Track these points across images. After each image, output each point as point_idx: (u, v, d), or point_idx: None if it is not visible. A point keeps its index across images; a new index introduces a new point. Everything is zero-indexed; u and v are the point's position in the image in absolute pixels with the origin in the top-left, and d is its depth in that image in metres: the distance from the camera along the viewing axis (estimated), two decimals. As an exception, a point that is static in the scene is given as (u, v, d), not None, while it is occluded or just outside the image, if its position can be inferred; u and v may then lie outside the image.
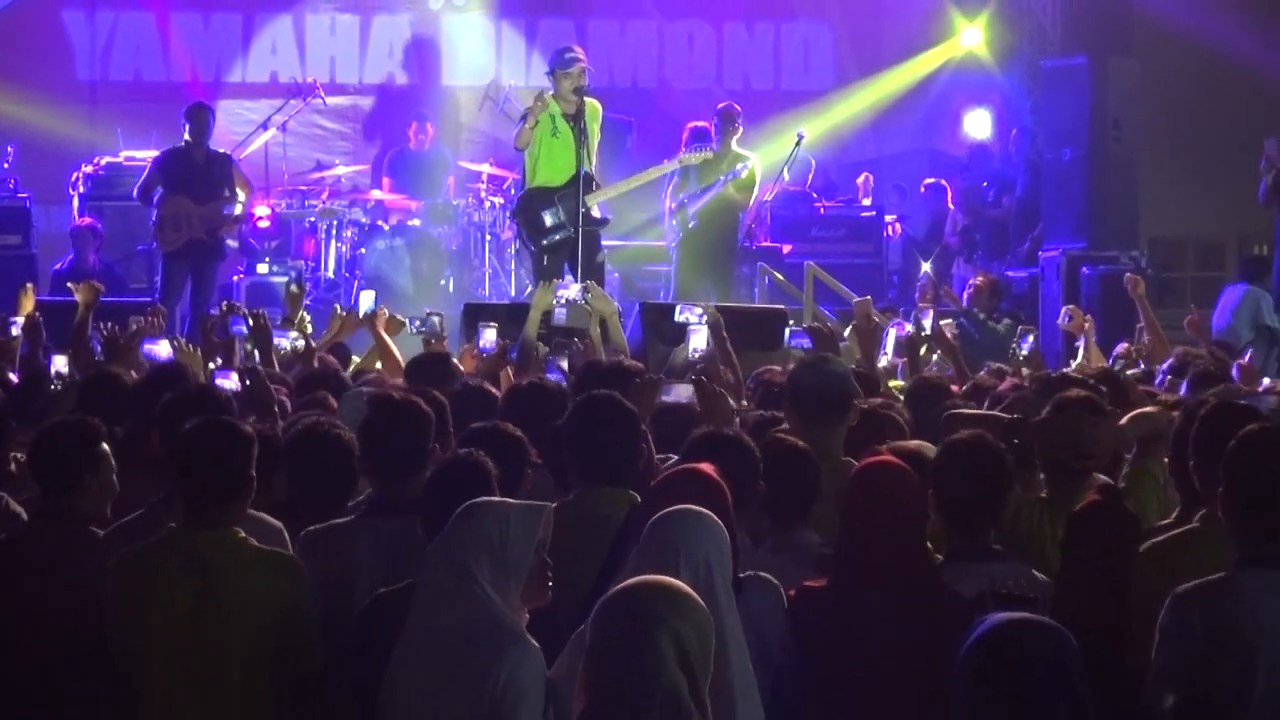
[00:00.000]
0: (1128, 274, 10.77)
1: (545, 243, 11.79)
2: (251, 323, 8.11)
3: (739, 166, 13.36)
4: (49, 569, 5.14)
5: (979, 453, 5.05)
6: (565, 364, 7.88)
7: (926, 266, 15.62)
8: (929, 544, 4.83)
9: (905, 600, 4.55)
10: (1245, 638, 4.20)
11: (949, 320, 9.75)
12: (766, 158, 15.77)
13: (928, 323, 8.79)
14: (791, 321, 10.27)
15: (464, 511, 4.16)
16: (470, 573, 4.00)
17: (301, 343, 8.34)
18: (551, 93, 11.88)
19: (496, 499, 4.27)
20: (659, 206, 14.17)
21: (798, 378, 6.11)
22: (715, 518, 3.98)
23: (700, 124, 14.21)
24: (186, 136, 13.33)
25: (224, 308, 8.74)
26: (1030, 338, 9.26)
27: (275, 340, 8.14)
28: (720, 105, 14.05)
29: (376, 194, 15.78)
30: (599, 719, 3.21)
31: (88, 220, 14.60)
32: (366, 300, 9.37)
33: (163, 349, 8.17)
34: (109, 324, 8.50)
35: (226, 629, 4.75)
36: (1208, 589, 4.29)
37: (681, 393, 6.31)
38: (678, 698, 3.20)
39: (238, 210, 13.42)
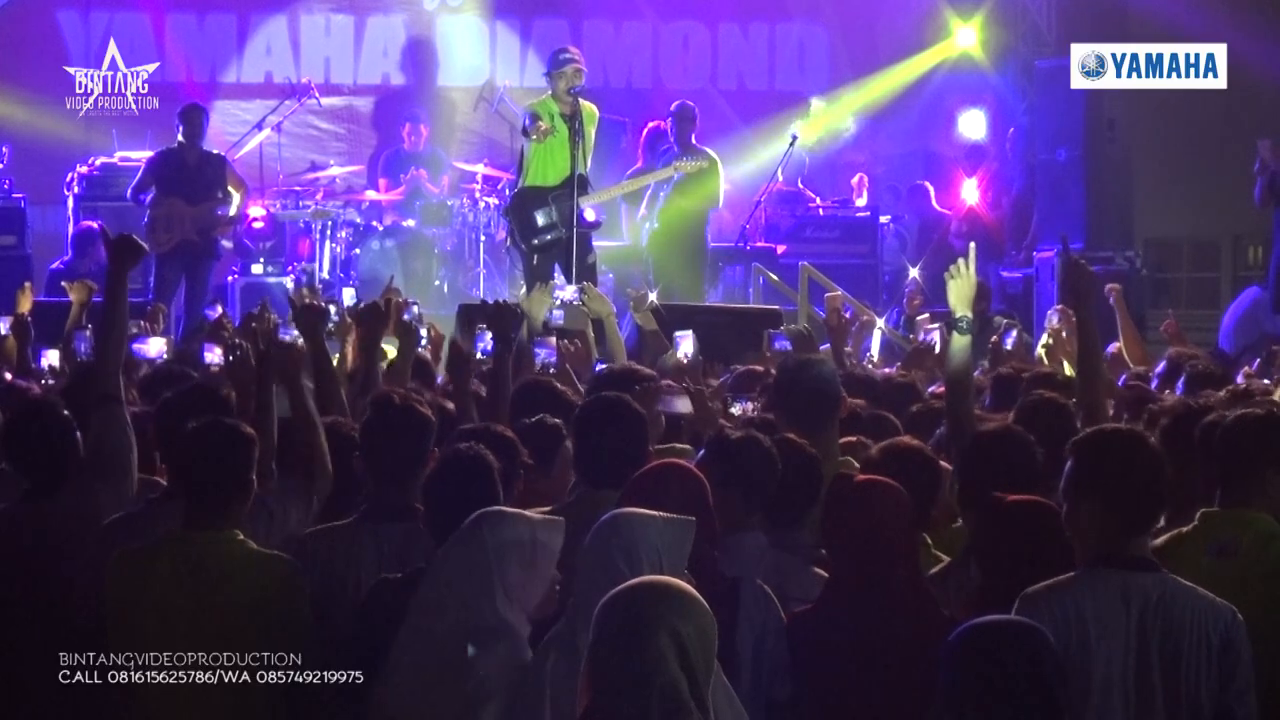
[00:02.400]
0: (1108, 285, 10.65)
1: (536, 242, 11.79)
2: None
3: (692, 165, 13.18)
4: (48, 561, 5.15)
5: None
6: (554, 340, 7.89)
7: (914, 272, 15.52)
8: None
9: (904, 630, 4.48)
10: (1085, 636, 4.16)
11: (939, 323, 9.72)
12: (762, 158, 15.80)
13: (936, 338, 8.72)
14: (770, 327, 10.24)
15: (491, 516, 4.15)
16: (490, 575, 3.99)
17: (302, 341, 8.30)
18: (550, 92, 11.89)
19: (515, 510, 4.24)
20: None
21: (786, 380, 6.06)
22: (654, 517, 3.87)
23: (657, 124, 14.18)
24: (180, 137, 13.34)
25: (221, 308, 8.68)
26: (1014, 333, 9.22)
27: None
28: (675, 105, 14.00)
29: (371, 194, 15.78)
30: (600, 718, 3.22)
31: (96, 224, 14.47)
32: (348, 297, 9.26)
33: (151, 347, 8.16)
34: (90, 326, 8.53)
35: (223, 630, 4.74)
36: (1056, 588, 4.22)
37: (678, 404, 6.32)
38: (678, 697, 3.21)
39: (231, 211, 13.41)
